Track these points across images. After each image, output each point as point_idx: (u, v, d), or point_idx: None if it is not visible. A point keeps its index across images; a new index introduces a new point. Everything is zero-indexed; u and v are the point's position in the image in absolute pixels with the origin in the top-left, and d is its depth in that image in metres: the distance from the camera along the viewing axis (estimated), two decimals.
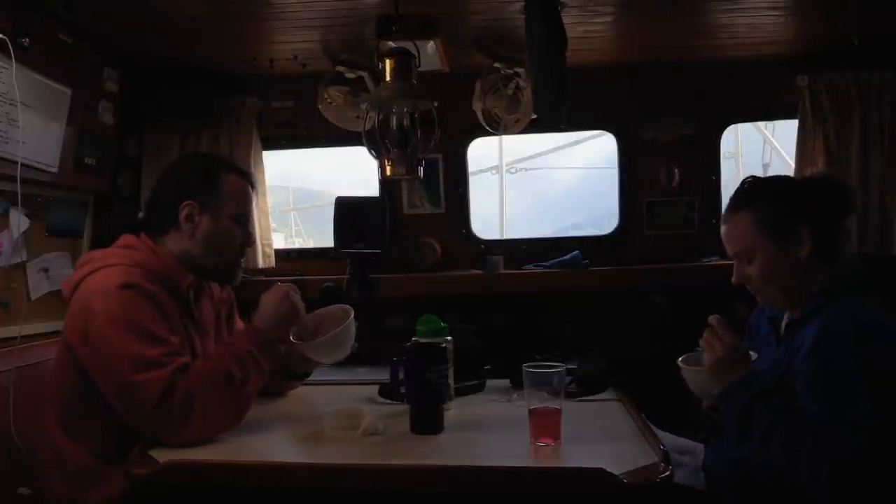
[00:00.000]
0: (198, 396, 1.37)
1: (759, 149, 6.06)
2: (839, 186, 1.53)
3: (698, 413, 1.61)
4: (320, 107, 2.59)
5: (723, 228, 1.56)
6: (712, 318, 1.45)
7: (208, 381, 1.40)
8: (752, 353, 1.53)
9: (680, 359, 1.52)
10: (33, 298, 2.16)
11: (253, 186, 1.72)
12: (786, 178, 1.65)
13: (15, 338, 1.90)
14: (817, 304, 1.43)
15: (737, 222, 1.52)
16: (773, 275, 1.48)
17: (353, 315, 1.64)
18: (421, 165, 1.94)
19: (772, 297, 1.53)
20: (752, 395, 1.35)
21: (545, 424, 1.35)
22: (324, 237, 2.82)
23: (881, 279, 1.54)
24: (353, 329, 1.63)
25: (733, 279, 1.55)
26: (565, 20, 1.84)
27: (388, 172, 1.92)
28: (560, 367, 1.36)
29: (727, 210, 1.56)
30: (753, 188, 1.56)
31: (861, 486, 1.25)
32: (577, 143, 6.42)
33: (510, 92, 2.51)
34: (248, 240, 1.68)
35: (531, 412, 1.36)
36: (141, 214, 1.71)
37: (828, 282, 1.45)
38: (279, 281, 1.65)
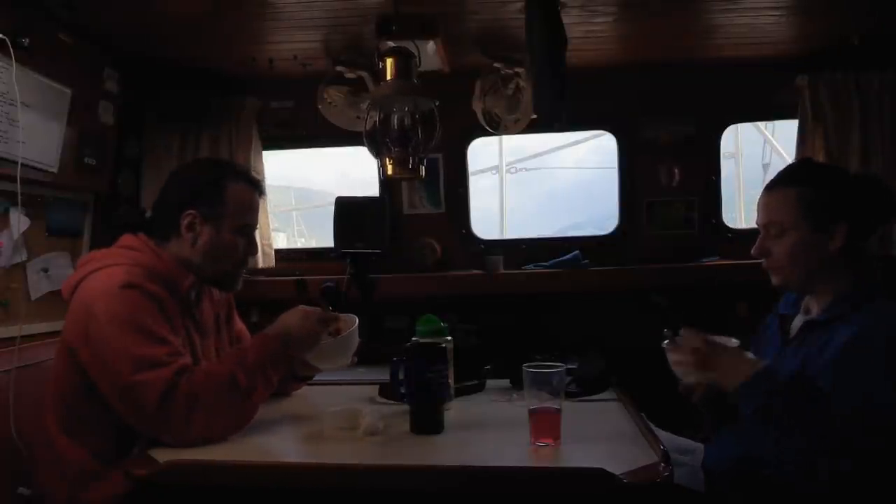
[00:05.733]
0: (201, 398, 1.37)
1: (759, 149, 6.06)
2: (887, 192, 1.53)
3: (696, 407, 1.61)
4: (320, 107, 2.58)
5: (762, 197, 1.56)
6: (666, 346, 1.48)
7: (213, 385, 1.40)
8: (732, 339, 1.52)
9: (665, 342, 1.52)
10: (33, 298, 2.16)
11: (261, 194, 1.71)
12: (840, 169, 1.65)
13: (15, 338, 1.89)
14: (846, 309, 1.42)
15: (779, 195, 1.51)
16: (798, 257, 1.48)
17: (357, 325, 1.65)
18: (422, 165, 1.94)
19: (787, 278, 1.52)
20: (769, 392, 1.35)
21: (545, 424, 1.35)
22: (326, 237, 2.82)
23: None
24: (355, 338, 1.65)
25: (753, 249, 1.55)
26: (565, 20, 1.84)
27: (389, 172, 1.92)
28: (560, 367, 1.37)
29: (772, 183, 1.56)
30: (806, 169, 1.58)
31: (882, 488, 1.26)
32: (577, 142, 6.41)
33: (510, 92, 2.51)
34: (251, 249, 1.67)
35: (531, 412, 1.36)
36: (148, 215, 1.71)
37: (854, 284, 1.45)
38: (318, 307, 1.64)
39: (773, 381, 1.37)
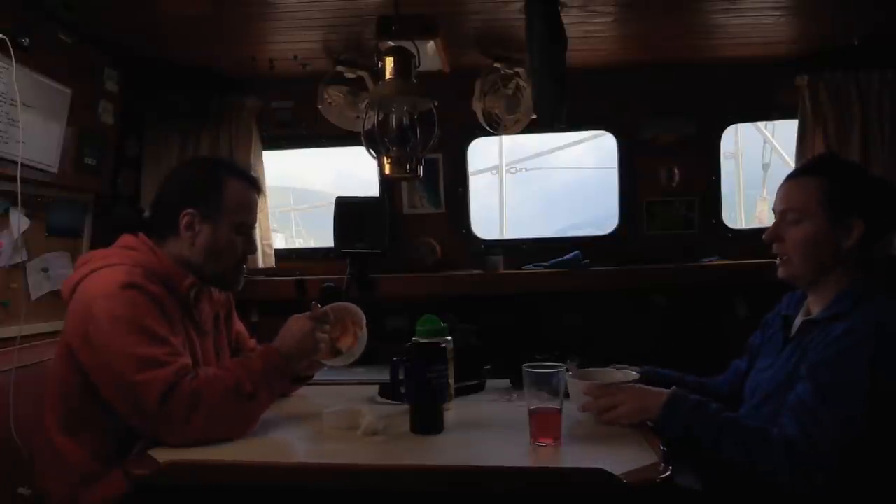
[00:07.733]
0: (204, 400, 1.37)
1: (759, 149, 6.06)
2: None
3: None
4: (320, 107, 2.59)
5: (783, 184, 1.56)
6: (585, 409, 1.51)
7: (218, 388, 1.40)
8: (632, 371, 1.60)
9: (569, 374, 1.54)
10: (33, 298, 2.16)
11: (259, 192, 1.71)
12: (863, 168, 1.68)
13: (15, 338, 1.89)
14: (847, 307, 1.41)
15: (803, 183, 1.51)
16: (810, 248, 1.47)
17: (364, 321, 1.69)
18: (421, 165, 1.94)
19: (794, 270, 1.51)
20: (685, 420, 1.40)
21: (545, 424, 1.35)
22: (325, 238, 2.82)
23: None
24: (365, 336, 1.70)
25: (766, 235, 1.55)
26: (565, 20, 1.84)
27: (388, 171, 1.91)
28: (560, 367, 1.37)
29: (796, 171, 1.57)
30: (832, 162, 1.59)
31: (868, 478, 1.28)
32: (577, 142, 6.41)
33: (510, 92, 2.51)
34: (250, 248, 1.67)
35: (531, 412, 1.36)
36: (146, 214, 1.71)
37: (854, 284, 1.45)
38: (314, 304, 1.65)
39: (684, 407, 1.41)
